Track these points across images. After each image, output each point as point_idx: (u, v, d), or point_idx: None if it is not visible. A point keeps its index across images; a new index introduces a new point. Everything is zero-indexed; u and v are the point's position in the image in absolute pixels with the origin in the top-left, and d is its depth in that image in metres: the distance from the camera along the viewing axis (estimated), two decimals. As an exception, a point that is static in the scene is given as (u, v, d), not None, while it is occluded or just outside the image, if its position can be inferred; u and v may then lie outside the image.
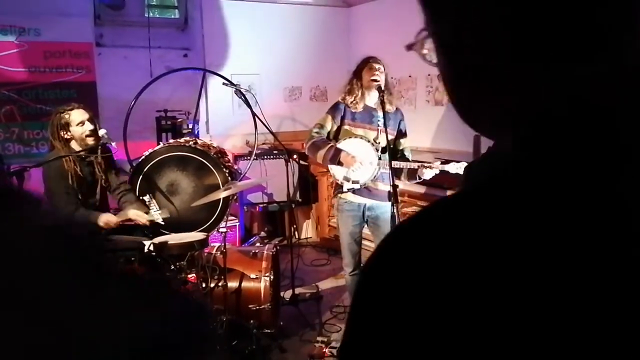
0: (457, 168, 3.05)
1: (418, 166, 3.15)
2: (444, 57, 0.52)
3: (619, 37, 0.44)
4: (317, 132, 3.34)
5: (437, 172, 3.10)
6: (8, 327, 0.37)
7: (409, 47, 0.55)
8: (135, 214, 3.28)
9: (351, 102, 3.27)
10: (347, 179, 3.26)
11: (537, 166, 0.43)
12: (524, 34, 0.45)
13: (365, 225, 3.38)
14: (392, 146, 3.24)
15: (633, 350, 0.39)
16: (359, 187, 3.25)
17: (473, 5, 0.47)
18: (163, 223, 3.36)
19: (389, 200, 3.04)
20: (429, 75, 5.18)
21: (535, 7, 0.44)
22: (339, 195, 3.34)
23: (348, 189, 3.27)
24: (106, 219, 3.21)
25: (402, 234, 0.48)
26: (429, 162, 3.19)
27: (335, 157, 3.23)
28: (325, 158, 3.25)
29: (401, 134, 3.38)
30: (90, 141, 3.27)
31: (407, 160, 3.34)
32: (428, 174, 3.12)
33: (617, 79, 0.44)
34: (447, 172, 3.08)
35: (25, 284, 0.38)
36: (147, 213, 3.33)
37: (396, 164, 3.19)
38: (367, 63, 3.24)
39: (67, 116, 3.24)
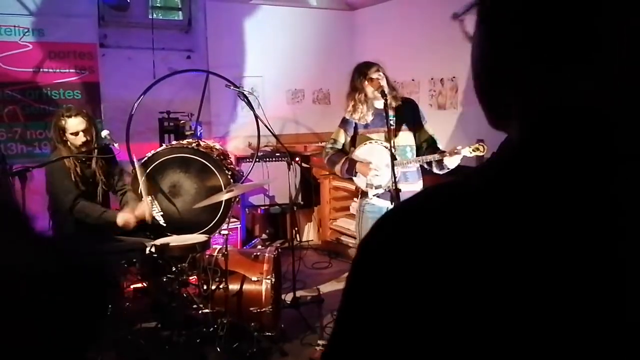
0: (470, 151, 3.01)
1: (446, 154, 3.05)
2: (478, 37, 0.55)
3: (613, 40, 0.45)
4: (331, 147, 3.37)
5: (461, 157, 3.02)
6: None
7: (456, 16, 0.58)
8: (141, 211, 3.31)
9: (359, 118, 3.25)
10: (370, 186, 3.25)
11: (533, 165, 0.45)
12: (531, 34, 0.47)
13: None
14: (416, 139, 3.27)
15: (616, 339, 0.40)
16: (382, 191, 3.22)
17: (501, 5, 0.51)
18: (163, 223, 3.37)
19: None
20: (432, 79, 5.18)
21: (536, 9, 0.47)
22: (363, 197, 3.31)
23: (373, 195, 3.25)
24: (125, 219, 3.22)
25: (407, 210, 0.51)
26: (455, 149, 3.04)
27: (352, 169, 3.25)
28: (342, 172, 3.30)
29: (419, 124, 3.31)
30: (84, 148, 3.29)
31: (436, 147, 3.24)
32: (452, 163, 3.05)
33: (613, 81, 0.46)
34: (465, 156, 3.02)
35: None
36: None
37: (416, 160, 3.19)
38: (365, 75, 3.17)
39: (63, 122, 3.26)
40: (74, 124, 3.26)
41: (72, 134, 3.26)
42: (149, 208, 3.30)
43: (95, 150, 3.37)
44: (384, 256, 0.47)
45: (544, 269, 0.41)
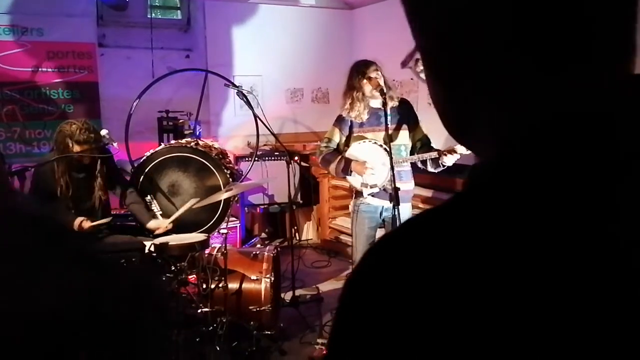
0: (467, 149, 3.01)
1: (444, 152, 3.07)
2: (440, 60, 0.51)
3: (610, 42, 0.44)
4: (325, 146, 3.36)
5: (459, 156, 3.04)
6: None
7: (403, 64, 0.55)
8: (156, 224, 3.31)
9: (356, 117, 3.24)
10: (365, 185, 3.24)
11: (533, 174, 0.43)
12: (523, 36, 0.45)
13: (383, 227, 3.37)
14: (410, 138, 3.29)
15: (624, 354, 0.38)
16: (377, 190, 3.22)
17: (463, 11, 0.47)
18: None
19: (409, 201, 3.08)
20: (431, 77, 5.18)
21: (526, 10, 0.44)
22: (358, 197, 3.31)
23: (368, 194, 3.24)
24: (78, 223, 3.21)
25: (391, 241, 0.48)
26: (453, 148, 3.05)
27: (347, 168, 3.24)
28: (337, 171, 3.29)
29: (414, 124, 3.33)
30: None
31: (430, 146, 3.26)
32: (450, 160, 3.06)
33: (610, 84, 0.44)
34: (462, 154, 3.02)
35: None
36: (152, 214, 3.39)
37: (410, 159, 3.22)
38: (364, 73, 3.16)
39: (70, 144, 3.19)
40: (80, 149, 3.22)
41: (75, 153, 3.24)
42: (164, 225, 3.31)
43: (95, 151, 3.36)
44: (370, 292, 0.45)
45: (551, 286, 0.40)
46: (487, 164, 0.48)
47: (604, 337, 0.38)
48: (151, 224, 3.31)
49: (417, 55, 0.54)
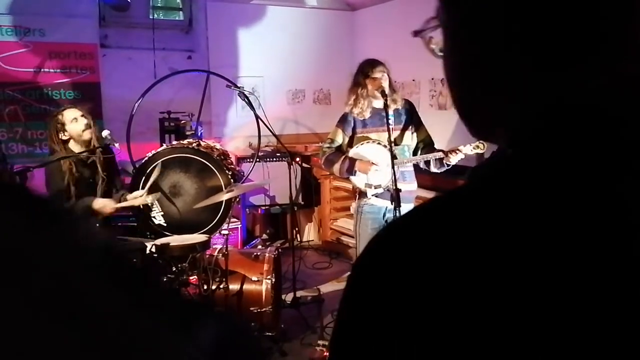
0: (471, 149, 3.03)
1: (447, 152, 3.08)
2: (452, 48, 0.53)
3: (617, 40, 0.44)
4: (328, 147, 3.36)
5: (463, 156, 3.05)
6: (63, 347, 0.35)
7: (416, 33, 0.56)
8: (132, 196, 3.31)
9: (358, 113, 3.25)
10: (369, 186, 3.24)
11: (537, 167, 0.43)
12: (525, 34, 0.46)
13: None
14: (413, 139, 3.31)
15: (630, 347, 0.38)
16: (382, 190, 3.22)
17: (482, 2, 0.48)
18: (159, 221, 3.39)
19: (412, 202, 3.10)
20: (432, 79, 5.18)
21: (536, 7, 0.45)
22: (361, 197, 3.31)
23: (372, 195, 3.25)
24: (102, 203, 3.21)
25: (393, 232, 0.48)
26: (455, 148, 3.07)
27: (352, 168, 3.24)
28: (342, 171, 3.29)
29: (417, 125, 3.34)
30: (87, 135, 3.29)
31: (433, 147, 3.28)
32: (454, 160, 3.07)
33: (616, 82, 0.45)
34: (466, 153, 3.04)
35: (78, 304, 0.37)
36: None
37: (415, 159, 3.23)
38: (367, 73, 3.19)
39: (60, 117, 3.28)
40: (70, 112, 3.30)
41: (72, 121, 3.26)
42: (142, 198, 3.29)
43: (98, 150, 3.37)
44: (377, 278, 0.45)
45: (555, 276, 0.39)
46: (486, 163, 0.49)
47: (607, 330, 0.38)
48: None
49: (431, 32, 0.55)
